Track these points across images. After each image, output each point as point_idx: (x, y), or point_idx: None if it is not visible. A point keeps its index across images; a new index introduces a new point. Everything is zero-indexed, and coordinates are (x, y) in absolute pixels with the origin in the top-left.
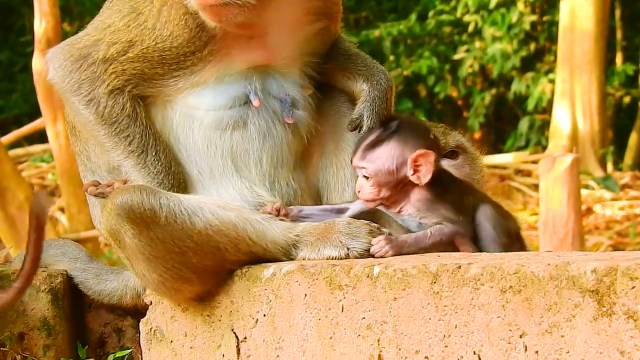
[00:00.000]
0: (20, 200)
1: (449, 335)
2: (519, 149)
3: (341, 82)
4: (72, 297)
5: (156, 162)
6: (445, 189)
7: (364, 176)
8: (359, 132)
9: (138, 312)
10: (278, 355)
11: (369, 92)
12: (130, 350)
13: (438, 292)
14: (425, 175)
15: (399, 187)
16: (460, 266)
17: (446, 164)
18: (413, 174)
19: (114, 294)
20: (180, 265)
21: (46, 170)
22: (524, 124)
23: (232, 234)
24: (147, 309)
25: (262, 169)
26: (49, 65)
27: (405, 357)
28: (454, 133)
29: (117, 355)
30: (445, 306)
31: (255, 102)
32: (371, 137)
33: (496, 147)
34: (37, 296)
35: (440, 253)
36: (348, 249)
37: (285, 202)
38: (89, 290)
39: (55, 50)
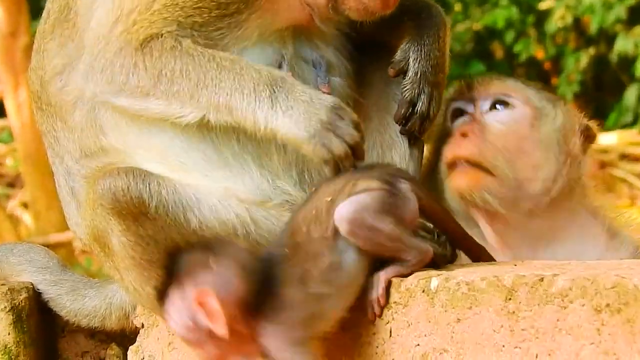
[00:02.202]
0: None
1: None
2: (625, 126)
3: (383, 32)
4: (40, 317)
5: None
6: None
7: None
8: (404, 78)
9: (126, 337)
10: None
11: (417, 28)
12: None
13: (514, 312)
14: (220, 322)
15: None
16: (542, 278)
17: (495, 117)
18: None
19: (94, 314)
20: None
21: (4, 153)
22: (631, 94)
23: (232, 237)
24: (138, 333)
25: (286, 156)
26: None
27: None
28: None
29: None
30: (523, 330)
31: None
32: None
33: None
34: None
35: (516, 262)
36: None
37: None
38: (62, 309)
39: None
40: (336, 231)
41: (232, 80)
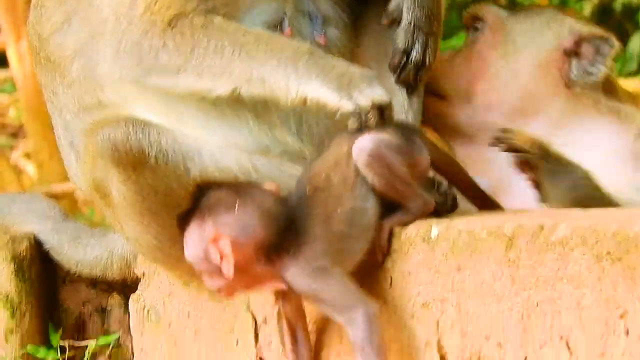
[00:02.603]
0: None
1: (529, 316)
2: (629, 74)
3: None
4: (41, 267)
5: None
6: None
7: None
8: (397, 27)
9: (127, 286)
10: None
11: None
12: (117, 336)
13: (514, 261)
14: (228, 264)
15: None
16: (543, 227)
17: None
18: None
19: (96, 263)
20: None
21: (7, 104)
22: (635, 43)
23: None
24: (139, 282)
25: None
26: None
27: (472, 345)
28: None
29: (99, 342)
30: (523, 278)
31: (287, 31)
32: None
33: None
34: None
35: (518, 211)
36: None
37: (317, 143)
38: (63, 259)
39: None
40: (356, 177)
41: (265, 52)
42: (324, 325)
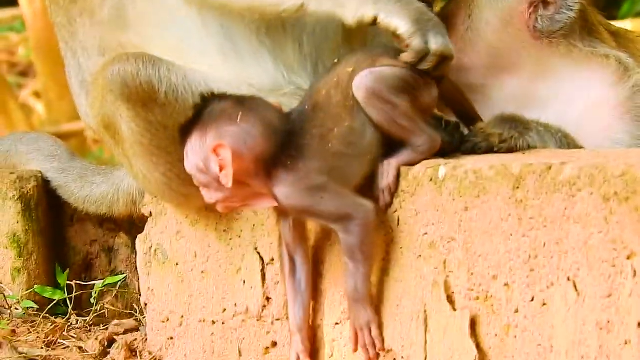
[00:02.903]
0: None
1: (536, 256)
2: (638, 14)
3: None
4: (48, 206)
5: None
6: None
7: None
8: None
9: (134, 225)
10: (316, 284)
11: None
12: (124, 275)
13: (522, 201)
14: (227, 175)
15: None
16: (550, 167)
17: None
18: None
19: (102, 200)
20: None
21: (16, 42)
22: None
23: None
24: (146, 222)
25: (302, 49)
26: None
27: (479, 284)
28: None
29: (106, 282)
30: (531, 218)
31: None
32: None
33: (609, 13)
34: (3, 205)
35: (526, 151)
36: None
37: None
38: (70, 197)
39: None
40: (356, 100)
41: None
42: (325, 251)
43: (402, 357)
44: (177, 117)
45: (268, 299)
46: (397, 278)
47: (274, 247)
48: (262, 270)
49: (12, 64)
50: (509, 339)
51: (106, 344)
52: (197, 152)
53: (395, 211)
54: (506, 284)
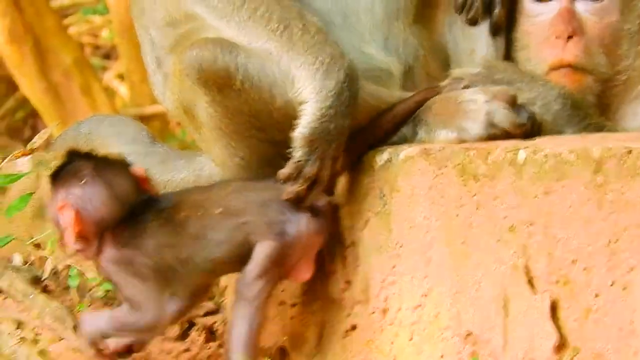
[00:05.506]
0: (66, 65)
1: (616, 241)
2: None
3: None
4: None
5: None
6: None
7: None
8: None
9: None
10: (394, 266)
11: None
12: None
13: (602, 185)
14: (69, 234)
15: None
16: (631, 151)
17: (586, 8)
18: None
19: (183, 185)
20: (266, 144)
21: (100, 25)
22: None
23: None
24: None
25: (373, 19)
26: None
27: (559, 269)
28: None
29: None
30: (611, 202)
31: None
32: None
33: None
34: None
35: (606, 135)
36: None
37: (404, 66)
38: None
39: None
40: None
41: None
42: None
43: (482, 341)
44: (253, 104)
45: (347, 282)
46: (477, 261)
47: (353, 230)
48: (343, 253)
49: (96, 47)
50: (589, 323)
51: (186, 326)
52: (51, 207)
53: (475, 195)
54: (586, 269)
